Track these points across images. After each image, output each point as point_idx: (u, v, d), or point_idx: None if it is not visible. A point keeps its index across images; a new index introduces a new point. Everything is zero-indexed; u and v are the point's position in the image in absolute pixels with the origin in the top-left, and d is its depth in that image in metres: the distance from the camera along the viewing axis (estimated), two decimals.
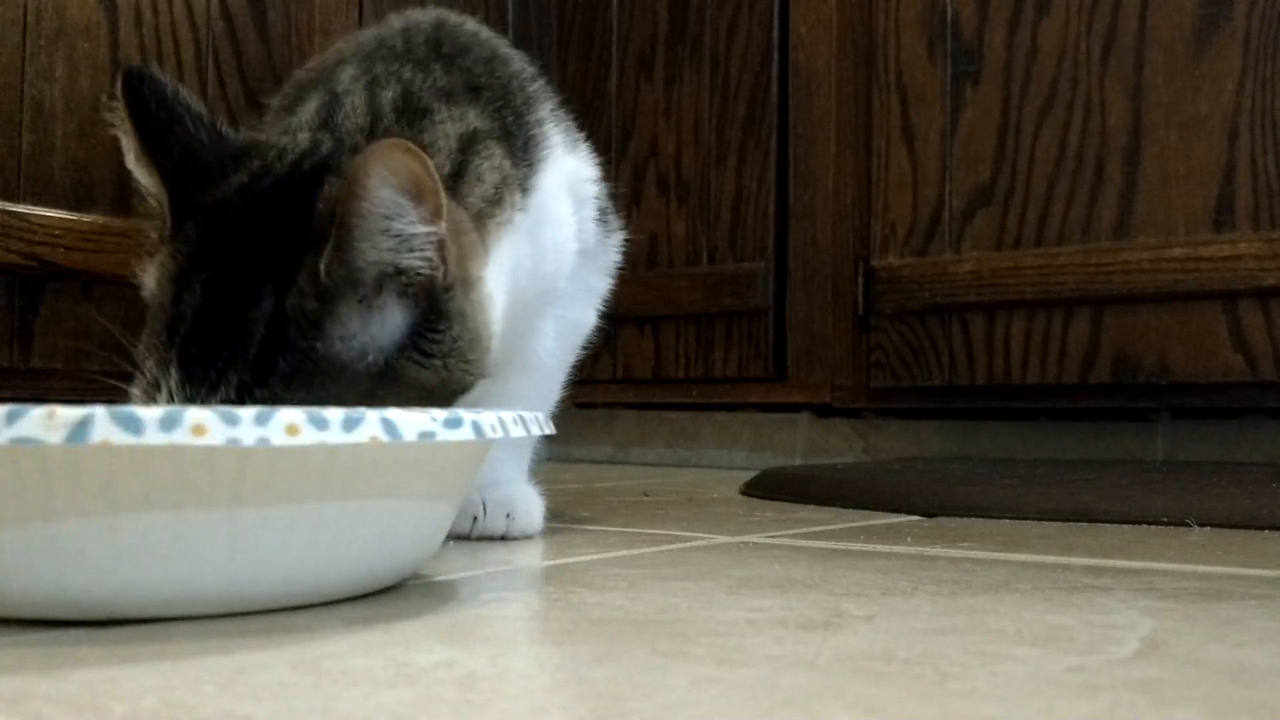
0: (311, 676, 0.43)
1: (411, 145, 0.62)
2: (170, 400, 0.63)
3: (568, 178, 0.86)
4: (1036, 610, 0.58)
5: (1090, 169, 1.51)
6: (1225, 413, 1.46)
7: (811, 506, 1.15)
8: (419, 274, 0.66)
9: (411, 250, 0.65)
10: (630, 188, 1.93)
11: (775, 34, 1.82)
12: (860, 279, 1.69)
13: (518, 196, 0.79)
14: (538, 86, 0.87)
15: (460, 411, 0.59)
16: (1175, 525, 0.97)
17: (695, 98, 1.89)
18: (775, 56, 1.82)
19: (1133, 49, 1.49)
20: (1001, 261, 1.56)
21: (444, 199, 0.65)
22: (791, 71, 1.80)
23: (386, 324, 0.66)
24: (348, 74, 0.79)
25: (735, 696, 0.41)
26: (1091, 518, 1.01)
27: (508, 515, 0.85)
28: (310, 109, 0.76)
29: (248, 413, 0.50)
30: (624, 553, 0.79)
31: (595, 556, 0.77)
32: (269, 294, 0.64)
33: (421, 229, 0.65)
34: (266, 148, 0.71)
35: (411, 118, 0.76)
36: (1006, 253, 1.57)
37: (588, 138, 0.93)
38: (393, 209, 0.63)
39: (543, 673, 0.47)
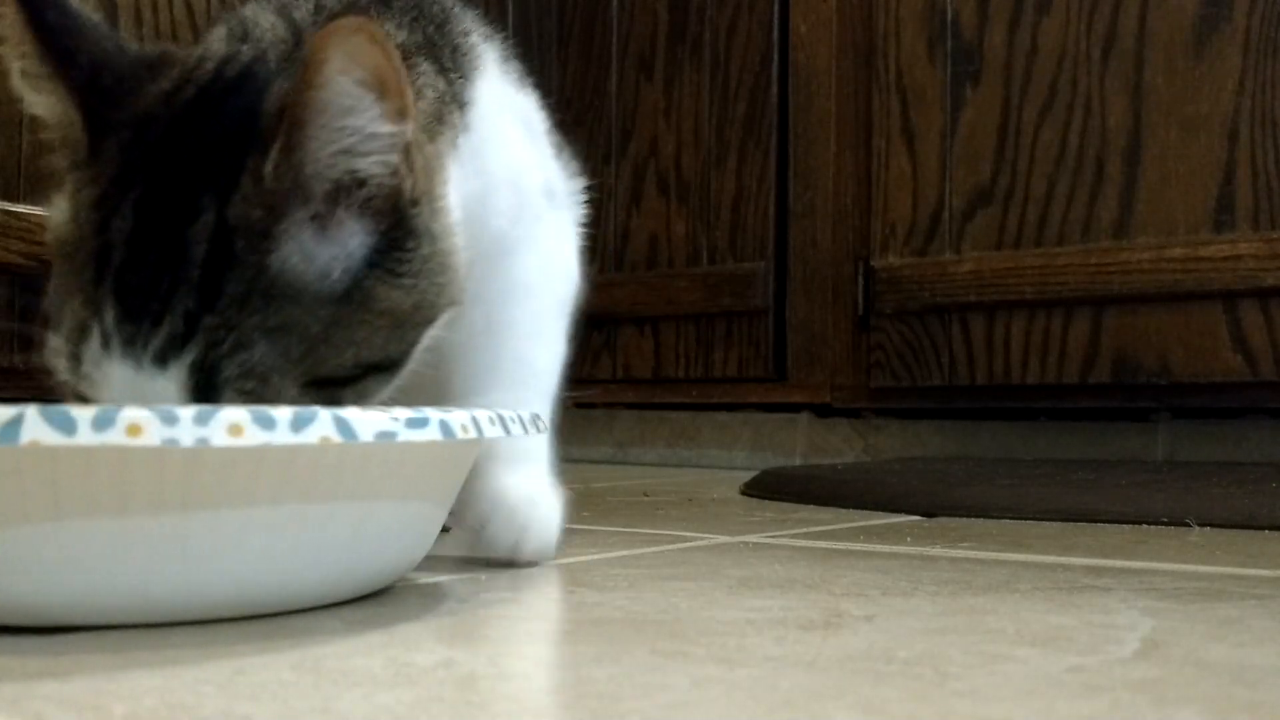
0: (311, 676, 0.43)
1: (375, 29, 0.55)
2: (104, 346, 0.55)
3: (509, 100, 0.79)
4: (1036, 610, 0.58)
5: (1090, 169, 1.51)
6: (1225, 413, 1.46)
7: (811, 506, 1.15)
8: (382, 183, 0.59)
9: (372, 154, 0.58)
10: (630, 188, 1.93)
11: (775, 34, 1.82)
12: (860, 279, 1.69)
13: (456, 114, 0.71)
14: (455, 3, 0.79)
15: (429, 411, 0.56)
16: (1175, 525, 0.97)
17: (695, 98, 1.89)
18: (775, 56, 1.82)
19: (1133, 49, 1.49)
20: (1001, 261, 1.56)
21: (411, 97, 0.58)
22: (791, 71, 1.80)
23: (348, 240, 0.59)
24: (253, 5, 0.70)
25: (735, 696, 0.41)
26: (1091, 518, 1.01)
27: (520, 529, 0.72)
28: (219, 34, 0.67)
29: (186, 412, 0.48)
30: (624, 553, 0.79)
31: (595, 556, 0.77)
32: (209, 206, 0.56)
33: (385, 128, 0.57)
34: (183, 57, 0.63)
35: None
36: (1006, 253, 1.57)
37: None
38: (352, 102, 0.56)
39: (543, 673, 0.47)
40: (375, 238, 0.59)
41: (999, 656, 0.47)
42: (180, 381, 0.55)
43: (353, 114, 0.56)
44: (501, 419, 0.61)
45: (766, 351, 1.80)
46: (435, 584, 0.65)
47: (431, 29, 0.73)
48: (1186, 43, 1.45)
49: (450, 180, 0.67)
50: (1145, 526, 0.97)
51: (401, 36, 0.70)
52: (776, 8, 1.81)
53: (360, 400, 0.59)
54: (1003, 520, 1.03)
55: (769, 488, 1.25)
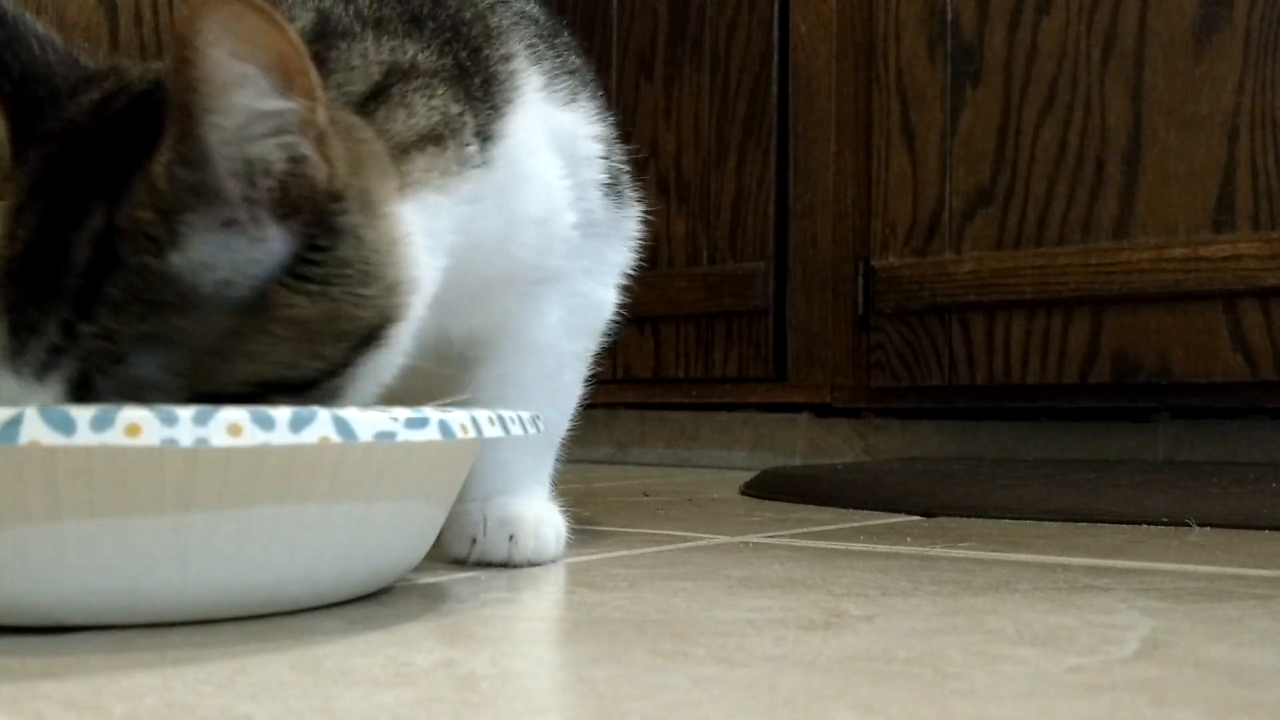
0: (311, 676, 0.43)
1: (259, 1, 0.50)
2: (1, 358, 0.53)
3: (552, 130, 0.73)
4: (1036, 610, 0.58)
5: (1090, 169, 1.51)
6: (1225, 413, 1.46)
7: (811, 506, 1.15)
8: (289, 171, 0.54)
9: (268, 135, 0.53)
10: None
11: (775, 34, 1.82)
12: (860, 279, 1.69)
13: (472, 145, 0.67)
14: (507, 17, 0.73)
15: (429, 410, 0.55)
16: (1175, 525, 0.97)
17: (695, 98, 1.89)
18: (775, 56, 1.82)
19: (1133, 49, 1.49)
20: (1001, 261, 1.56)
21: (314, 75, 0.53)
22: (791, 71, 1.80)
23: (268, 245, 0.54)
24: None
25: (735, 696, 0.41)
26: (1091, 518, 1.01)
27: (510, 537, 0.72)
28: None
29: (186, 412, 0.47)
30: (624, 553, 0.79)
31: (595, 556, 0.77)
32: (98, 211, 0.53)
33: (275, 104, 0.52)
34: (129, 68, 0.60)
35: (322, 39, 0.64)
36: (1006, 253, 1.57)
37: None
38: (232, 76, 0.51)
39: (543, 673, 0.47)
40: (295, 241, 0.54)
41: (999, 656, 0.47)
42: (57, 395, 0.52)
43: (235, 90, 0.51)
44: (501, 419, 0.60)
45: (766, 351, 1.80)
46: (435, 584, 0.65)
47: (465, 54, 0.69)
48: (1186, 43, 1.45)
49: (445, 206, 0.64)
50: (1145, 526, 0.97)
51: (424, 59, 0.66)
52: (776, 8, 1.81)
53: None
54: (1002, 520, 1.03)
55: (769, 488, 1.25)
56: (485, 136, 0.68)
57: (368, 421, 0.51)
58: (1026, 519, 1.03)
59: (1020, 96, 1.56)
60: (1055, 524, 1.00)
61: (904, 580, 0.67)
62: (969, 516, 1.05)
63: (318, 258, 0.55)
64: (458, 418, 0.56)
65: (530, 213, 0.71)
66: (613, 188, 0.79)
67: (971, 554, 0.80)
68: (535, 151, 0.72)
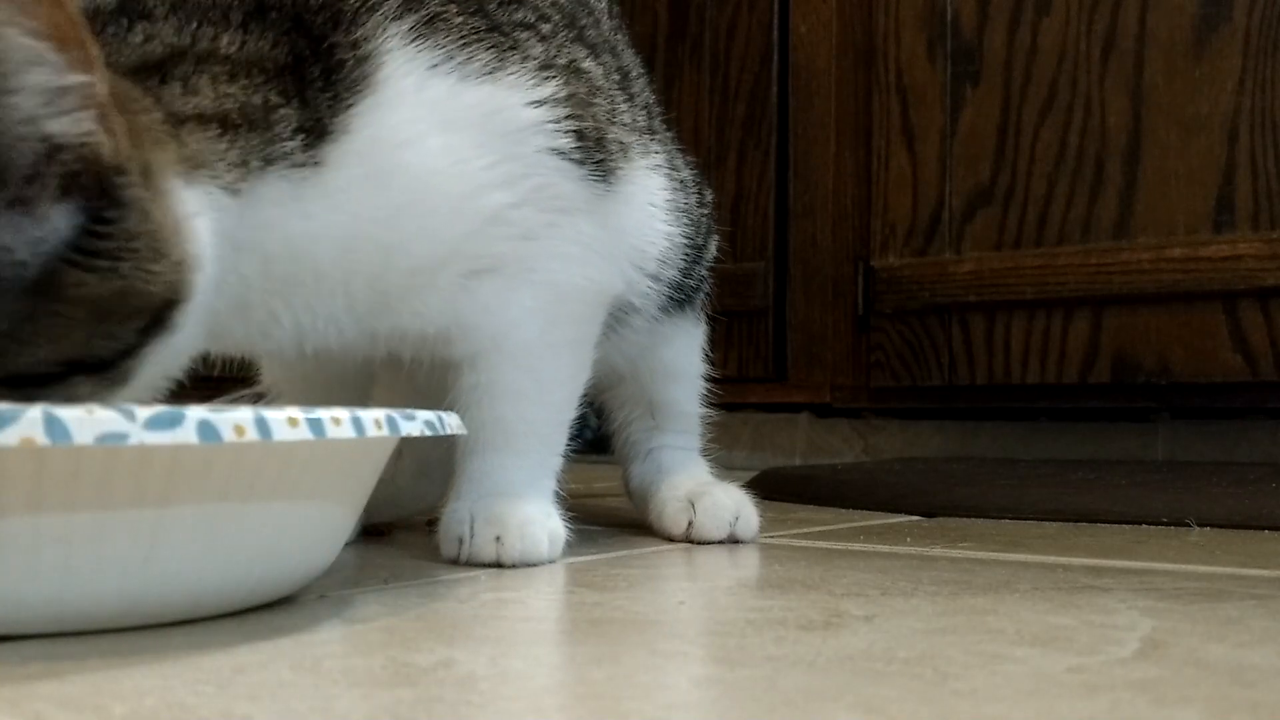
0: (311, 676, 0.43)
1: None
2: None
3: (457, 108, 0.67)
4: (1036, 610, 0.58)
5: (1090, 169, 1.51)
6: (1225, 413, 1.46)
7: (811, 506, 1.15)
8: (80, 145, 0.52)
9: (65, 113, 0.52)
10: None
11: (775, 34, 1.82)
12: (860, 279, 1.69)
13: (291, 143, 0.62)
14: None
15: (321, 411, 0.52)
16: (1175, 525, 0.97)
17: (695, 98, 1.89)
18: (775, 56, 1.82)
19: (1133, 49, 1.49)
20: (1001, 261, 1.56)
21: (95, 48, 0.52)
22: (791, 71, 1.80)
23: (44, 224, 0.52)
24: None
25: (735, 696, 0.41)
26: (1091, 518, 1.01)
27: (497, 538, 0.70)
28: None
29: (72, 412, 0.45)
30: (624, 553, 0.79)
31: (595, 556, 0.77)
32: None
33: (70, 79, 0.51)
34: None
35: (107, 15, 0.61)
36: (1006, 253, 1.56)
37: None
38: (27, 55, 0.50)
39: (543, 673, 0.47)
40: (82, 216, 0.53)
41: (999, 656, 0.47)
42: None
43: (31, 70, 0.50)
44: (422, 418, 0.57)
45: (766, 351, 1.80)
46: (435, 584, 0.65)
47: (303, 45, 0.64)
48: (1186, 43, 1.45)
49: (262, 199, 0.61)
50: (1145, 526, 0.97)
51: (229, 45, 0.62)
52: (776, 8, 1.81)
53: (69, 403, 0.50)
54: (1002, 520, 1.03)
55: (769, 488, 1.25)
56: (318, 133, 0.63)
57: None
58: (1026, 519, 1.03)
59: (1020, 96, 1.56)
60: (1055, 524, 1.00)
61: (904, 580, 0.67)
62: (969, 517, 1.05)
63: (105, 230, 0.54)
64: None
65: (407, 206, 0.65)
66: (590, 154, 0.71)
67: (971, 554, 0.80)
68: (409, 143, 0.65)
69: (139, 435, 0.46)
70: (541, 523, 0.72)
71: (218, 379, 0.77)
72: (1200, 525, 0.96)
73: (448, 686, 0.42)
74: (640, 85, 0.86)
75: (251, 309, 0.65)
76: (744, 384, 1.82)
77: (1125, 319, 1.48)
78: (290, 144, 0.62)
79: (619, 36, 0.89)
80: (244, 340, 0.68)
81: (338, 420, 0.52)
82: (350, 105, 0.63)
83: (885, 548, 0.83)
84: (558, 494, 0.76)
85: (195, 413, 0.47)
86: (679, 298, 0.89)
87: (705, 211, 0.92)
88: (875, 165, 1.68)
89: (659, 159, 0.80)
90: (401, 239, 0.66)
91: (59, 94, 0.51)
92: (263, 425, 0.49)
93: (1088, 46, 1.52)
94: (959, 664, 0.46)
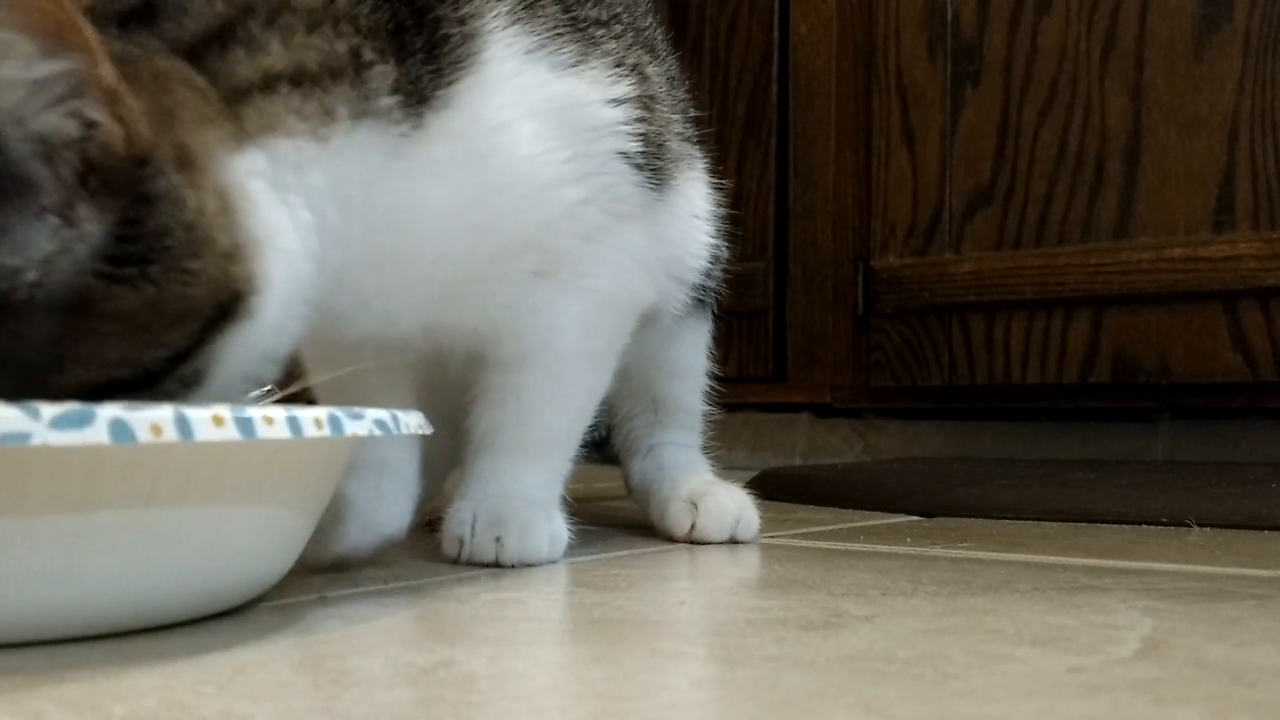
0: (311, 676, 0.43)
1: None
2: None
3: (543, 98, 0.65)
4: (1036, 610, 0.58)
5: (1090, 169, 1.51)
6: (1225, 413, 1.46)
7: (811, 506, 1.15)
8: (84, 143, 0.48)
9: (53, 104, 0.48)
10: None
11: (775, 34, 1.82)
12: (860, 279, 1.69)
13: (388, 100, 0.59)
14: None
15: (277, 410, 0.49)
16: (1175, 525, 0.97)
17: (695, 98, 1.89)
18: (775, 56, 1.82)
19: (1133, 49, 1.49)
20: (1001, 261, 1.56)
21: (87, 28, 0.48)
22: (791, 71, 1.80)
23: (70, 233, 0.48)
24: None
25: (735, 696, 0.41)
26: (1091, 518, 1.01)
27: (497, 539, 0.70)
28: None
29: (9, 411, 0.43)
30: (624, 553, 0.79)
31: (595, 556, 0.77)
32: None
33: (52, 66, 0.47)
34: None
35: None
36: (1006, 253, 1.56)
37: None
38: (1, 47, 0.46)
39: (543, 673, 0.47)
40: (108, 219, 0.49)
41: (999, 656, 0.47)
42: None
43: (3, 63, 0.46)
44: (376, 418, 0.54)
45: (766, 351, 1.80)
46: (435, 584, 0.65)
47: (405, 12, 0.61)
48: (1186, 43, 1.45)
49: (312, 156, 0.57)
50: (1145, 526, 0.97)
51: (343, 7, 0.59)
52: (776, 8, 1.81)
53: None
54: (1002, 520, 1.03)
55: (769, 488, 1.25)
56: (418, 99, 0.60)
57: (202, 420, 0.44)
58: (1026, 519, 1.03)
59: (1020, 96, 1.56)
60: (1055, 524, 1.00)
61: (904, 580, 0.67)
62: (969, 517, 1.05)
63: (131, 233, 0.49)
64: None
65: (499, 189, 0.64)
66: (651, 160, 0.70)
67: (971, 554, 0.80)
68: (506, 126, 0.64)
69: (43, 435, 0.42)
70: (543, 525, 0.71)
71: None
72: (1200, 525, 0.96)
73: (448, 686, 0.42)
74: (682, 92, 0.86)
75: (345, 290, 0.61)
76: (744, 384, 1.82)
77: (1125, 319, 1.47)
78: (387, 101, 0.59)
79: (661, 39, 0.87)
80: (326, 328, 0.63)
81: (270, 420, 0.48)
82: (453, 81, 0.62)
83: (885, 548, 0.83)
84: (563, 498, 0.76)
85: (108, 411, 0.44)
86: (697, 298, 0.89)
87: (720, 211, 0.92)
88: (875, 165, 1.68)
89: (701, 168, 0.80)
90: (491, 220, 0.65)
91: (42, 85, 0.47)
92: (184, 424, 0.45)
93: (1088, 46, 1.52)
94: (959, 664, 0.46)
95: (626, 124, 0.69)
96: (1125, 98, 1.49)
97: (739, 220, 1.84)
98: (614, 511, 1.07)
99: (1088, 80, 1.52)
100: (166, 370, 0.51)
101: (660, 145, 0.72)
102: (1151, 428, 1.51)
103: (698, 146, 0.83)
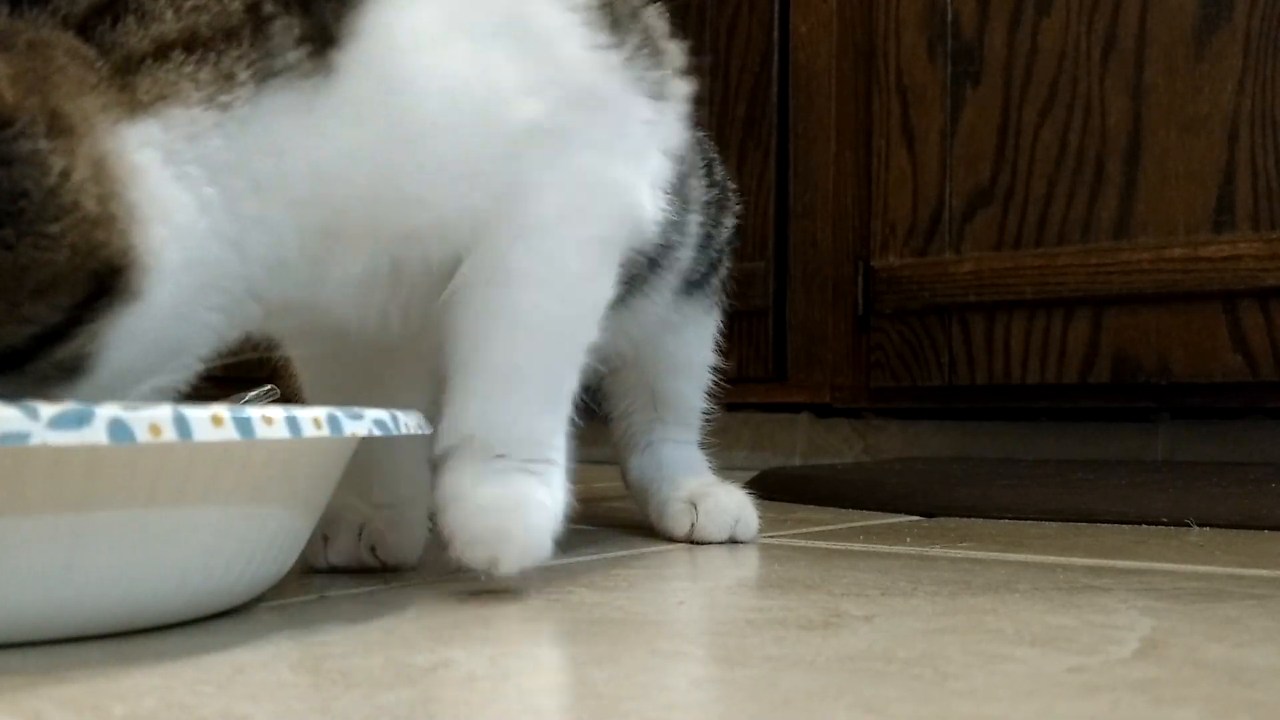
0: (311, 676, 0.43)
1: None
2: None
3: (474, 9, 0.60)
4: (1036, 610, 0.58)
5: (1090, 169, 1.51)
6: (1225, 413, 1.46)
7: (811, 506, 1.15)
8: None
9: None
10: None
11: (775, 34, 1.82)
12: (860, 279, 1.69)
13: (299, 50, 0.55)
14: None
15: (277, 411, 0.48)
16: (1175, 525, 0.97)
17: (695, 98, 1.89)
18: (775, 56, 1.82)
19: (1133, 49, 1.49)
20: (1001, 261, 1.56)
21: None
22: (791, 71, 1.80)
23: None
24: None
25: (735, 696, 0.41)
26: (1091, 518, 1.01)
27: (491, 559, 0.60)
28: None
29: None
30: (624, 553, 0.79)
31: (595, 556, 0.77)
32: None
33: None
34: None
35: None
36: (1006, 253, 1.57)
37: None
38: None
39: (542, 673, 0.47)
40: None
41: (999, 656, 0.47)
42: None
43: None
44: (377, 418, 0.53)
45: (766, 351, 1.80)
46: (435, 584, 0.65)
47: None
48: (1186, 43, 1.45)
49: (211, 127, 0.53)
50: (1145, 526, 0.97)
51: None
52: (776, 8, 1.81)
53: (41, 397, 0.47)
54: (1002, 520, 1.03)
55: (769, 488, 1.25)
56: (327, 40, 0.56)
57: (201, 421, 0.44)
58: (1026, 519, 1.03)
59: (1020, 96, 1.56)
60: (1055, 524, 1.00)
61: (904, 580, 0.67)
62: (969, 517, 1.05)
63: None
64: (308, 414, 0.49)
65: (426, 120, 0.58)
66: (627, 32, 0.66)
67: (971, 554, 0.80)
68: (427, 46, 0.58)
69: (42, 435, 0.42)
70: (547, 528, 0.62)
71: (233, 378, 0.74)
72: (1200, 525, 0.96)
73: (448, 686, 0.42)
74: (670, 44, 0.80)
75: (291, 268, 0.57)
76: (744, 384, 1.82)
77: (1125, 319, 1.48)
78: (294, 55, 0.55)
79: None
80: (289, 313, 0.61)
81: (269, 420, 0.48)
82: (358, 7, 0.56)
83: (885, 548, 0.83)
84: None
85: (106, 411, 0.43)
86: (692, 279, 0.87)
87: (716, 191, 0.89)
88: (875, 165, 1.68)
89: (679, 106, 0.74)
90: (433, 146, 0.58)
91: None
92: (182, 424, 0.45)
93: (1088, 46, 1.52)
94: (959, 664, 0.46)
95: (584, 24, 0.63)
96: (1125, 98, 1.49)
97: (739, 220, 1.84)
98: (614, 511, 1.07)
99: (1088, 80, 1.52)
100: (35, 349, 0.48)
101: (634, 15, 0.67)
102: (1151, 428, 1.52)
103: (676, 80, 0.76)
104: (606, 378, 0.91)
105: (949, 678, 0.44)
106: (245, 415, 0.48)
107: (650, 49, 0.69)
